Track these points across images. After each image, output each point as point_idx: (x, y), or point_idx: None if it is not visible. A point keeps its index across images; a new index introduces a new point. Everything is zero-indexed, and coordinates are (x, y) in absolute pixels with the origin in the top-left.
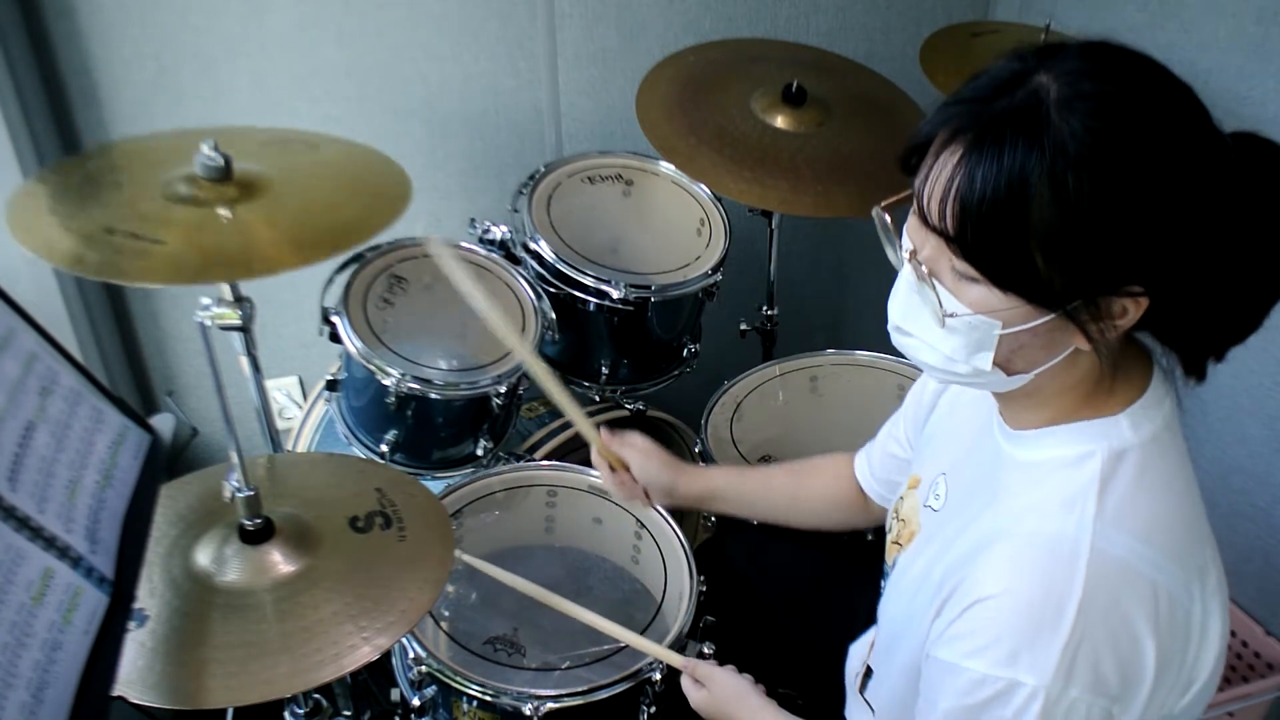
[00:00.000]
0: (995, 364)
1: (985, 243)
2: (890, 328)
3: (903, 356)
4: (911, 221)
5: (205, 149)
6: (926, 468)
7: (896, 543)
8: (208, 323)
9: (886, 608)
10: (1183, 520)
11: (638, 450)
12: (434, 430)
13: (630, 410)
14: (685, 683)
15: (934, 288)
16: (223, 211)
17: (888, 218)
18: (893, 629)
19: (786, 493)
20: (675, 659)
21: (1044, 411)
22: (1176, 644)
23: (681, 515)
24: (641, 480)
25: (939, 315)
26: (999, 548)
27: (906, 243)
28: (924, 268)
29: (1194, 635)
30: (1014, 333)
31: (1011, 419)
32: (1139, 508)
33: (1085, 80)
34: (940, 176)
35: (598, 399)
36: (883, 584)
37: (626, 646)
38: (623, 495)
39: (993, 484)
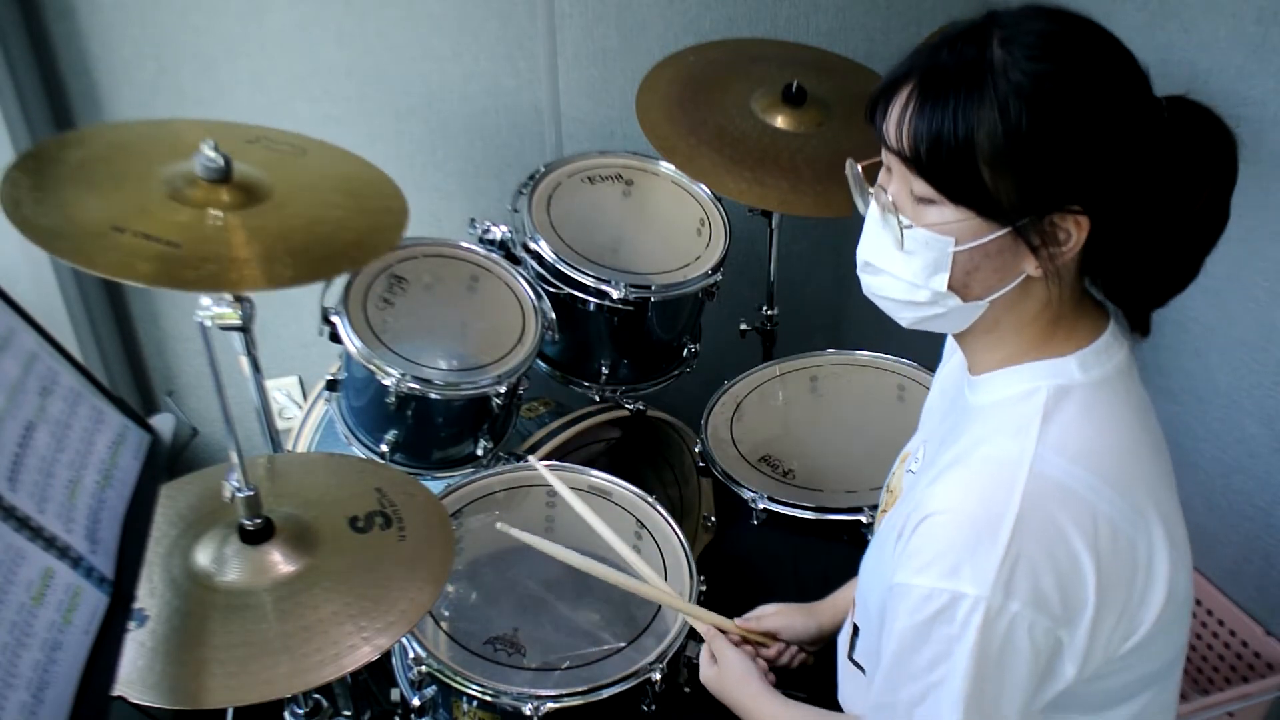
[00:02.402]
0: (951, 287)
1: (937, 160)
2: (859, 268)
3: (903, 357)
4: (882, 171)
5: (206, 149)
6: (914, 442)
7: (884, 511)
8: (208, 323)
9: (865, 563)
10: (1129, 456)
11: (773, 618)
12: (434, 430)
13: (630, 410)
14: (703, 655)
15: (895, 212)
16: (214, 213)
17: (860, 169)
18: (870, 580)
19: None
20: (706, 623)
21: (1000, 351)
22: (1120, 573)
23: (681, 515)
24: (792, 640)
25: (898, 236)
26: (950, 473)
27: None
28: (889, 198)
29: (1139, 568)
30: (967, 250)
31: (974, 363)
32: (1082, 437)
33: (1028, 22)
34: (896, 106)
35: (598, 399)
36: None
37: (625, 647)
38: (785, 661)
39: (957, 431)
